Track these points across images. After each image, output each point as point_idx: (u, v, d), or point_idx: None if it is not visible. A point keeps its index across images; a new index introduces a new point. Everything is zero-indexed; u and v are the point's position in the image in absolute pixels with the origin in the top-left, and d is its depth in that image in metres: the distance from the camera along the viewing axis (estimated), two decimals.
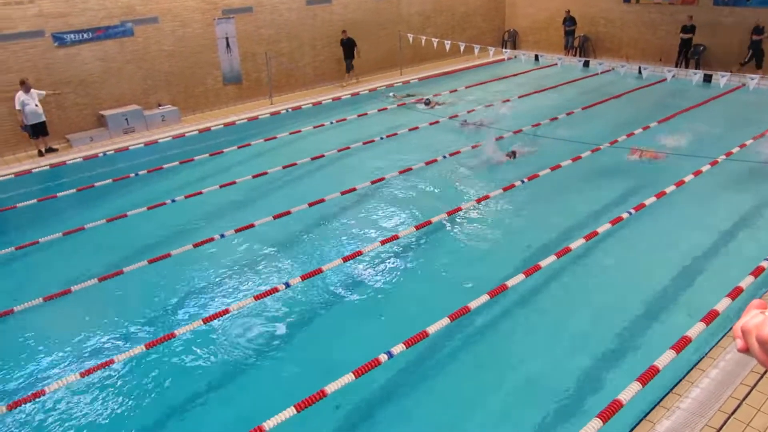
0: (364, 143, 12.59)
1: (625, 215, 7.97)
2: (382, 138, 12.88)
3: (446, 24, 21.34)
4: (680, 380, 5.49)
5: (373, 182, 10.24)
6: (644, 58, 19.01)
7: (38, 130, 13.27)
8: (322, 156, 11.83)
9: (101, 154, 13.26)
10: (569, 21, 20.17)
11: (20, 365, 6.44)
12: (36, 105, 13.01)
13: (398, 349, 5.40)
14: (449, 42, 17.30)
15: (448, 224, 9.05)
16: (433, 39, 18.06)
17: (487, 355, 6.23)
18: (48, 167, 12.64)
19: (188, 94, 16.26)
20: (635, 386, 4.82)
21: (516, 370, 6.00)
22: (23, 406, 5.54)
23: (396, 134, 13.05)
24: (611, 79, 17.06)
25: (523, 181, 9.61)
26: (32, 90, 12.94)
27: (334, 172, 11.58)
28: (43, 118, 13.24)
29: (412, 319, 6.49)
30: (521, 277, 6.59)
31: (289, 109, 16.07)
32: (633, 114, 14.00)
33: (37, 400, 5.60)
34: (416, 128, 13.40)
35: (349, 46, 18.03)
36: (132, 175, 11.40)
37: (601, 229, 7.67)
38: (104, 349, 6.62)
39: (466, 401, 5.63)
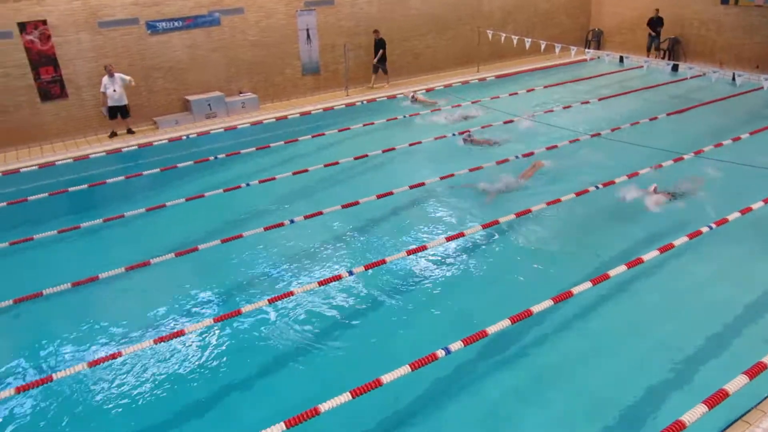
0: (435, 138, 12.58)
1: (705, 229, 7.59)
2: (454, 134, 12.83)
3: (528, 21, 20.90)
4: (752, 408, 5.21)
5: (442, 178, 10.23)
6: (739, 65, 17.92)
7: (116, 113, 14.09)
8: (393, 149, 11.93)
9: (184, 137, 13.94)
10: (656, 21, 19.22)
11: (102, 328, 6.91)
12: (114, 90, 13.78)
13: (456, 346, 5.41)
14: (530, 40, 16.95)
15: (518, 226, 8.90)
16: (513, 36, 17.76)
17: (546, 364, 6.10)
18: (137, 147, 13.42)
19: (268, 82, 16.77)
20: (701, 408, 4.62)
21: (574, 380, 5.86)
22: (101, 365, 5.96)
23: (469, 131, 12.95)
24: (701, 84, 16.20)
25: (597, 187, 9.33)
26: (116, 75, 13.73)
27: (404, 166, 11.63)
28: (124, 102, 14.02)
29: (472, 318, 6.48)
30: (588, 285, 6.42)
31: (364, 101, 16.26)
32: (723, 123, 13.25)
33: (114, 360, 6.01)
34: (489, 125, 13.26)
35: (378, 48, 17.50)
36: (211, 158, 11.94)
37: (678, 242, 7.34)
38: (176, 319, 6.99)
39: (522, 407, 5.55)
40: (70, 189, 10.94)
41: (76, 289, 7.28)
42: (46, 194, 10.56)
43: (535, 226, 8.89)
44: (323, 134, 13.24)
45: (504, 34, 18.36)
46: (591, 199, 9.31)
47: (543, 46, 16.71)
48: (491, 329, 5.64)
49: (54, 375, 5.68)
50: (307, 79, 17.47)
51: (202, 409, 5.63)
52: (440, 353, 5.31)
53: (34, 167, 12.48)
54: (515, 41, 17.36)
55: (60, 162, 12.69)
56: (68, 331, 6.86)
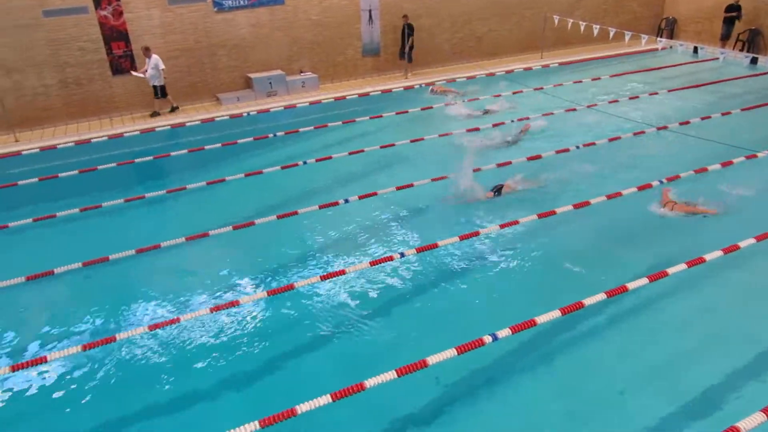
0: (494, 125, 12.39)
1: None
2: (512, 121, 12.60)
3: (597, 7, 20.17)
4: None
5: (499, 165, 10.09)
6: None
7: (158, 92, 14.49)
8: (451, 134, 11.83)
9: (245, 114, 14.25)
10: (732, 8, 18.08)
11: (162, 294, 7.21)
12: (146, 71, 14.17)
13: (504, 333, 5.38)
14: (598, 27, 16.38)
15: (574, 218, 8.68)
16: (580, 22, 17.20)
17: (595, 358, 5.97)
18: (199, 122, 13.82)
19: (328, 62, 16.89)
20: (759, 417, 4.44)
21: (622, 376, 5.72)
22: (162, 329, 6.24)
23: (527, 118, 12.69)
24: None
25: (661, 181, 8.99)
26: (153, 56, 14.08)
27: (460, 151, 11.48)
28: (154, 83, 14.31)
29: (521, 306, 6.41)
30: (645, 281, 6.23)
31: (422, 85, 16.15)
32: None
33: (174, 325, 6.28)
34: (551, 113, 12.94)
35: (406, 35, 17.04)
36: (270, 135, 12.19)
37: (743, 244, 7.01)
38: (232, 290, 7.21)
39: (567, 402, 5.47)
40: (137, 160, 11.42)
41: (139, 256, 7.63)
42: (114, 164, 11.06)
43: (587, 219, 8.61)
44: (381, 116, 13.26)
45: (571, 20, 17.79)
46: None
47: (612, 34, 16.11)
48: (540, 319, 5.58)
49: (117, 335, 6.00)
50: (367, 61, 17.49)
51: (251, 377, 5.81)
52: (487, 339, 5.29)
53: (104, 138, 13.06)
54: (582, 27, 16.81)
55: (128, 134, 13.23)
56: (130, 295, 7.20)
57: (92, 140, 12.93)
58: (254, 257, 7.99)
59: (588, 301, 5.85)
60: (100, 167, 10.90)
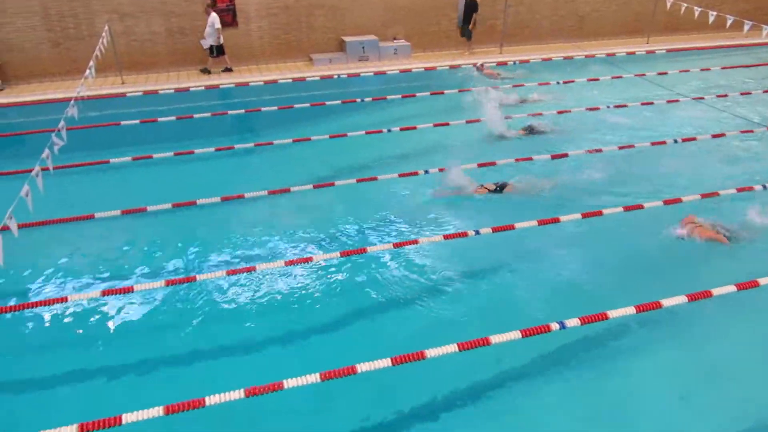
0: (587, 109, 11.91)
1: None
2: (608, 107, 12.05)
3: None
4: None
5: (588, 151, 9.72)
6: None
7: (213, 51, 14.77)
8: (540, 114, 11.49)
9: (336, 76, 14.42)
10: None
11: (241, 242, 7.54)
12: (206, 31, 14.43)
13: (572, 323, 5.27)
14: (714, 13, 15.21)
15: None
16: (695, 7, 16.03)
17: (670, 362, 5.73)
18: (291, 80, 14.13)
19: (422, 31, 16.72)
20: None
21: (710, 384, 5.47)
22: (238, 275, 6.55)
23: (625, 105, 12.08)
24: None
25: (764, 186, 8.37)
26: (211, 14, 14.31)
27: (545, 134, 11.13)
28: (211, 42, 14.55)
29: (595, 298, 6.23)
30: (732, 288, 5.88)
31: (517, 62, 15.70)
32: None
33: (250, 273, 6.57)
34: (650, 103, 12.27)
35: (469, 10, 16.30)
36: (358, 100, 12.30)
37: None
38: (306, 246, 7.43)
39: (636, 403, 5.31)
40: (229, 112, 11.87)
41: (224, 203, 8.01)
42: (209, 114, 11.56)
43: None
44: (469, 90, 13.05)
45: (685, 5, 16.62)
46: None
47: (729, 22, 14.93)
48: (613, 313, 5.41)
49: (197, 276, 6.37)
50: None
51: (314, 331, 6.00)
52: (554, 326, 5.20)
53: (201, 88, 13.64)
54: (697, 13, 15.66)
55: (223, 86, 13.74)
56: (212, 240, 7.58)
57: (190, 89, 13.54)
58: (331, 217, 8.15)
59: (667, 302, 5.61)
60: (195, 116, 11.43)
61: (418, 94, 12.74)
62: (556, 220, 7.29)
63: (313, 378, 4.57)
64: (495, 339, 5.01)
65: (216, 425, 4.83)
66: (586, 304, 5.91)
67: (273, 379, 4.53)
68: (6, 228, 5.39)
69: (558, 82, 13.74)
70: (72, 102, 8.68)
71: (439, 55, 16.74)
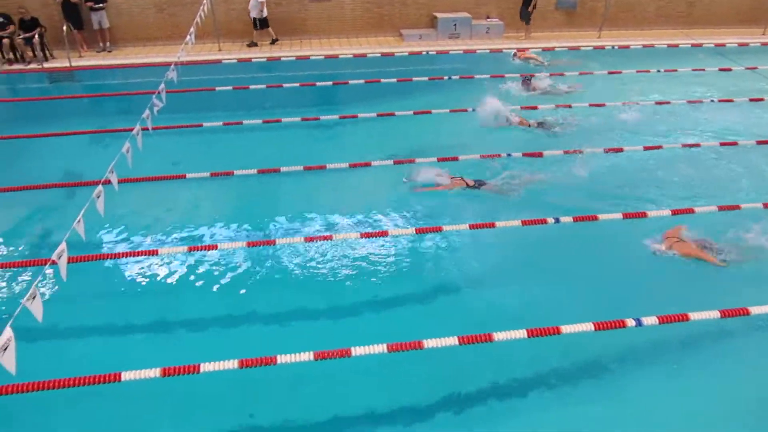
0: (688, 101, 11.19)
1: None
2: (712, 101, 11.26)
3: None
4: None
5: (684, 146, 9.17)
6: None
7: (256, 24, 14.84)
8: (637, 103, 10.90)
9: (424, 53, 14.31)
10: None
11: (321, 213, 7.69)
12: (250, 4, 14.47)
13: (650, 321, 5.06)
14: None
15: None
16: None
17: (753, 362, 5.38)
18: (379, 54, 14.17)
19: (516, 11, 16.22)
20: None
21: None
22: (315, 242, 6.73)
23: (731, 101, 11.24)
24: None
25: None
26: None
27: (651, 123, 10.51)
28: (254, 15, 14.66)
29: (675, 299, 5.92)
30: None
31: (616, 47, 14.95)
32: None
33: (325, 241, 6.74)
34: (761, 99, 11.35)
35: None
36: (445, 77, 12.18)
37: None
38: (383, 220, 7.49)
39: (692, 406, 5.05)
40: (317, 83, 12.08)
41: (305, 173, 8.22)
42: (297, 84, 11.83)
43: None
44: (562, 74, 12.57)
45: None
46: None
47: None
48: (695, 316, 5.14)
49: (276, 240, 6.60)
50: (559, 14, 16.53)
51: (385, 303, 6.09)
52: (630, 322, 5.02)
53: (292, 58, 13.95)
54: None
55: (314, 57, 13.98)
56: (293, 207, 7.80)
57: (282, 58, 13.88)
58: (410, 193, 8.14)
59: (756, 310, 5.26)
60: (285, 85, 11.73)
61: (507, 75, 12.44)
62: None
63: (380, 348, 4.66)
64: (565, 329, 4.90)
65: (287, 384, 5.02)
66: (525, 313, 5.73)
67: (340, 345, 4.66)
68: (107, 182, 5.79)
69: (658, 70, 12.96)
70: (172, 66, 9.13)
71: (533, 36, 16.19)
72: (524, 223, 6.59)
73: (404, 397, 4.96)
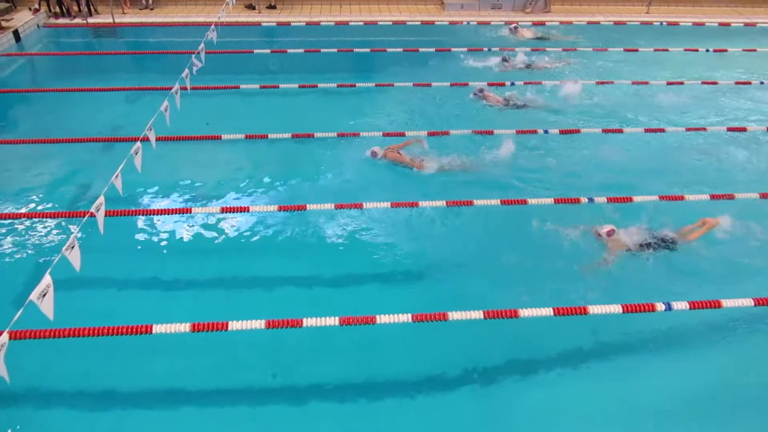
0: (736, 83, 10.74)
1: None
2: (762, 83, 10.79)
3: None
4: None
5: (729, 129, 8.84)
6: None
7: None
8: (681, 83, 10.51)
9: (465, 23, 14.01)
10: None
11: (352, 180, 7.69)
12: None
13: (680, 305, 4.98)
14: None
15: None
16: None
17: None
18: (419, 23, 13.94)
19: None
20: None
21: None
22: (347, 209, 6.75)
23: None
24: None
25: None
26: None
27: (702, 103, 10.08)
28: None
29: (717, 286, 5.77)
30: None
31: (664, 23, 14.38)
32: None
33: (356, 210, 6.74)
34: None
35: None
36: (485, 49, 11.94)
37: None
38: (411, 190, 7.41)
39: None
40: (355, 50, 11.96)
41: (338, 139, 8.23)
42: (335, 50, 11.74)
43: None
44: (606, 50, 12.18)
45: None
46: None
47: None
48: (728, 302, 5.03)
49: (307, 205, 6.63)
50: None
51: (411, 277, 6.13)
52: (660, 306, 4.94)
53: (331, 23, 13.83)
54: None
55: (353, 23, 13.82)
56: (324, 172, 7.82)
57: (321, 23, 13.77)
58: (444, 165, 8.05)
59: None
60: (322, 50, 11.66)
61: (548, 49, 12.14)
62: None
63: (405, 318, 4.71)
64: (592, 309, 4.86)
65: (313, 345, 5.13)
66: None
67: (366, 312, 4.73)
68: (146, 138, 5.90)
69: (707, 50, 12.43)
70: (212, 26, 9.15)
71: (578, 9, 15.68)
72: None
73: (424, 366, 5.02)
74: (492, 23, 14.05)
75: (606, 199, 6.68)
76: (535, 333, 5.24)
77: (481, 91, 9.74)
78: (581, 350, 5.23)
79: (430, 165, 7.75)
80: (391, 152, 7.91)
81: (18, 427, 4.44)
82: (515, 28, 13.46)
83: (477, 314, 4.78)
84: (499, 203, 6.55)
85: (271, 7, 15.09)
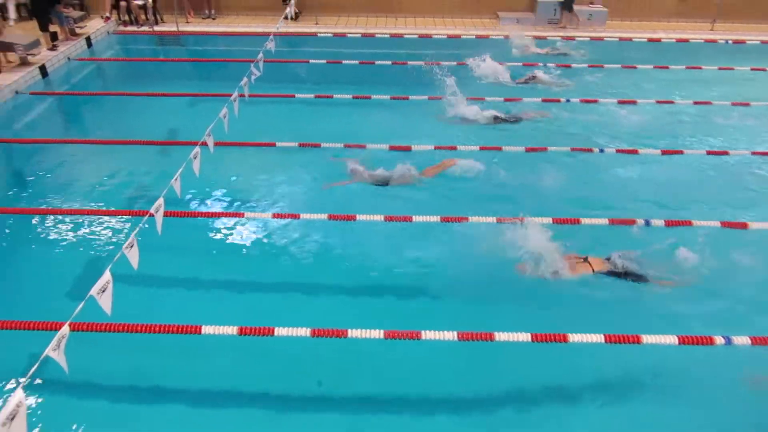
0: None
1: None
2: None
3: None
4: None
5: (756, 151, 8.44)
6: None
7: None
8: (746, 104, 10.11)
9: (519, 36, 13.83)
10: None
11: (402, 193, 7.73)
12: None
13: (741, 341, 4.75)
14: None
15: None
16: None
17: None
18: (474, 36, 13.93)
19: None
20: None
21: None
22: (396, 222, 6.75)
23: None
24: None
25: None
26: None
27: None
28: None
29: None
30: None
31: (729, 41, 13.89)
32: None
33: (406, 222, 6.75)
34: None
35: None
36: (540, 64, 11.79)
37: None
38: (463, 205, 7.38)
39: None
40: (409, 62, 12.01)
41: (392, 152, 8.26)
42: (390, 62, 11.83)
43: None
44: (666, 67, 11.84)
45: None
46: None
47: None
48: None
49: (357, 216, 6.67)
50: (670, 2, 15.53)
51: (456, 295, 6.07)
52: (719, 340, 4.73)
53: (386, 35, 13.96)
54: None
55: (407, 35, 13.93)
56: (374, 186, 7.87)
57: (376, 35, 13.91)
58: (489, 181, 7.97)
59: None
60: (377, 62, 11.78)
61: (606, 66, 11.90)
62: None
63: (451, 335, 4.66)
64: (646, 339, 4.70)
65: (356, 358, 5.15)
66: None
67: (411, 327, 4.71)
68: (204, 143, 6.08)
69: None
70: (271, 36, 9.39)
71: (638, 25, 15.33)
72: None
73: (466, 386, 4.95)
74: (548, 38, 13.88)
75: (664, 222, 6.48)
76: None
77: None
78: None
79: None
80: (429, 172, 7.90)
81: (70, 414, 4.61)
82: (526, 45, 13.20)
83: (525, 336, 4.68)
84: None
85: (292, 18, 15.36)
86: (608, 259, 6.09)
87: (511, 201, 7.17)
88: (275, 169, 8.27)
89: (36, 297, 5.81)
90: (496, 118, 9.45)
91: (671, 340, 4.70)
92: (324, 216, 6.62)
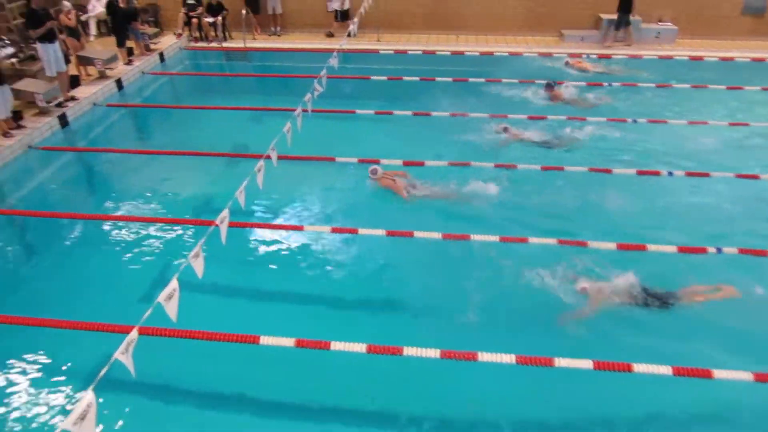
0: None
1: None
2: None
3: None
4: None
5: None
6: None
7: (339, 16, 15.14)
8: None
9: (584, 56, 13.58)
10: None
11: (460, 210, 7.68)
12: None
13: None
14: None
15: None
16: None
17: None
18: (537, 54, 13.76)
19: (695, 15, 14.89)
20: None
21: None
22: (453, 241, 6.70)
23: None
24: None
25: None
26: None
27: None
28: (335, 7, 15.24)
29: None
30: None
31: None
32: None
33: (463, 241, 6.69)
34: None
35: None
36: (605, 84, 11.54)
37: None
38: (498, 225, 7.28)
39: None
40: (470, 79, 11.98)
41: (451, 168, 8.21)
42: (450, 79, 11.83)
43: None
44: (741, 88, 11.34)
45: None
46: None
47: None
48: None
49: (415, 232, 6.66)
50: (745, 21, 14.92)
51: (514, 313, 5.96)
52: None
53: (447, 53, 13.99)
54: None
55: (468, 53, 13.91)
56: (435, 202, 7.85)
57: (437, 52, 13.96)
58: (547, 201, 7.81)
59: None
60: (437, 79, 11.80)
61: (674, 85, 11.51)
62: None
63: (509, 358, 4.57)
64: (718, 374, 4.45)
65: (408, 376, 5.12)
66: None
67: (464, 347, 4.64)
68: (268, 157, 6.22)
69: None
70: (334, 53, 9.55)
71: (709, 44, 14.76)
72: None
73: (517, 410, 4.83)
74: (613, 57, 13.56)
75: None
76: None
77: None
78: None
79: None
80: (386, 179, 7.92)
81: (132, 415, 4.78)
82: (568, 60, 12.94)
83: (587, 363, 4.53)
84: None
85: (329, 35, 15.69)
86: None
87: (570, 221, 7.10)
88: (335, 183, 8.38)
89: (105, 300, 6.06)
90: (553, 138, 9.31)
91: (745, 376, 4.45)
92: (382, 232, 6.64)
